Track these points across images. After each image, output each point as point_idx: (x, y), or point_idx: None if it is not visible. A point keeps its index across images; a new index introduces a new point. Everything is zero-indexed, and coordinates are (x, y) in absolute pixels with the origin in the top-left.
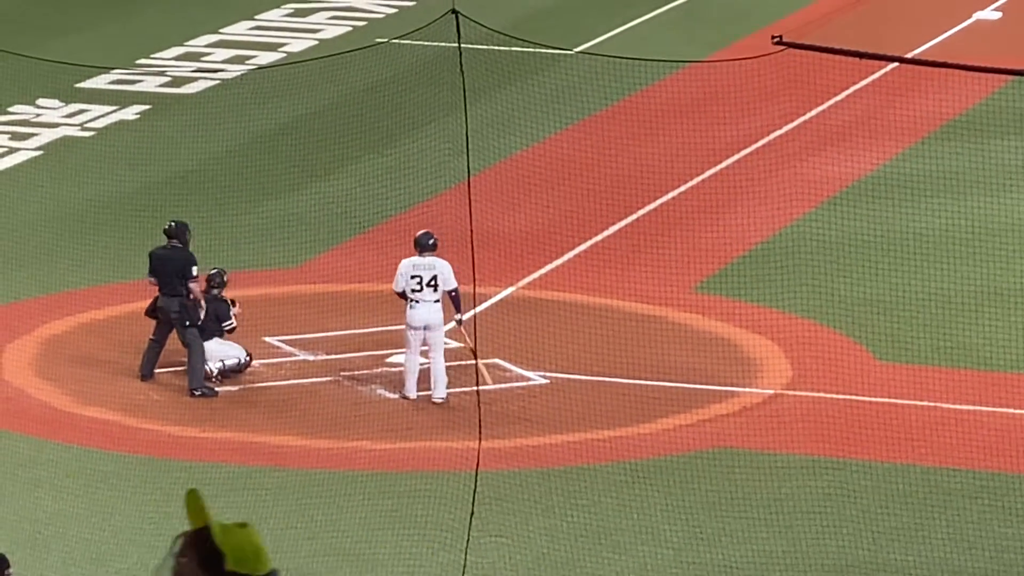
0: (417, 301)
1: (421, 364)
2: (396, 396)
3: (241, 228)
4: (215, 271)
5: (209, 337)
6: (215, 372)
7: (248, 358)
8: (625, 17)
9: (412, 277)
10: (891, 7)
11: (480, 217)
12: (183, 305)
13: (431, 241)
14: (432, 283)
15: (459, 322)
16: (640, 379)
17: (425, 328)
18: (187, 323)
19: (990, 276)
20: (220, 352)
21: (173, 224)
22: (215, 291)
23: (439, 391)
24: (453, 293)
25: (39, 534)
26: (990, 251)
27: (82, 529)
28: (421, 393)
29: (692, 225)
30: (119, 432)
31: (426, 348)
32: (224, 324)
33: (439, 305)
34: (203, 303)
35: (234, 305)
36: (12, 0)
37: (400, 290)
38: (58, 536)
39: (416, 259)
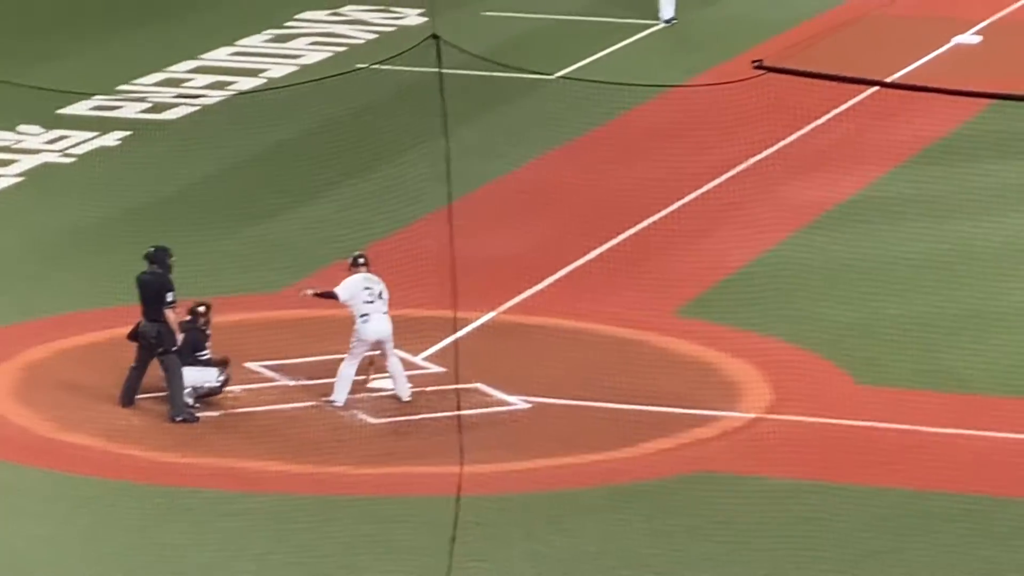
0: (369, 315)
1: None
2: (323, 404)
3: (222, 253)
4: (200, 306)
5: (184, 366)
6: (190, 402)
7: (222, 379)
8: (606, 42)
9: (364, 289)
10: (871, 31)
11: (461, 242)
12: (160, 331)
13: (366, 258)
14: (382, 296)
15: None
16: (621, 403)
17: (378, 341)
18: (160, 349)
19: (970, 300)
20: (190, 379)
21: (152, 250)
22: (200, 320)
23: (404, 391)
24: None
25: (20, 561)
26: (970, 275)
27: (63, 555)
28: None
29: (673, 249)
30: (100, 458)
31: (376, 353)
32: (198, 354)
33: (388, 317)
34: (178, 330)
35: (227, 366)
36: None
37: (346, 298)
38: (40, 563)
39: (365, 274)
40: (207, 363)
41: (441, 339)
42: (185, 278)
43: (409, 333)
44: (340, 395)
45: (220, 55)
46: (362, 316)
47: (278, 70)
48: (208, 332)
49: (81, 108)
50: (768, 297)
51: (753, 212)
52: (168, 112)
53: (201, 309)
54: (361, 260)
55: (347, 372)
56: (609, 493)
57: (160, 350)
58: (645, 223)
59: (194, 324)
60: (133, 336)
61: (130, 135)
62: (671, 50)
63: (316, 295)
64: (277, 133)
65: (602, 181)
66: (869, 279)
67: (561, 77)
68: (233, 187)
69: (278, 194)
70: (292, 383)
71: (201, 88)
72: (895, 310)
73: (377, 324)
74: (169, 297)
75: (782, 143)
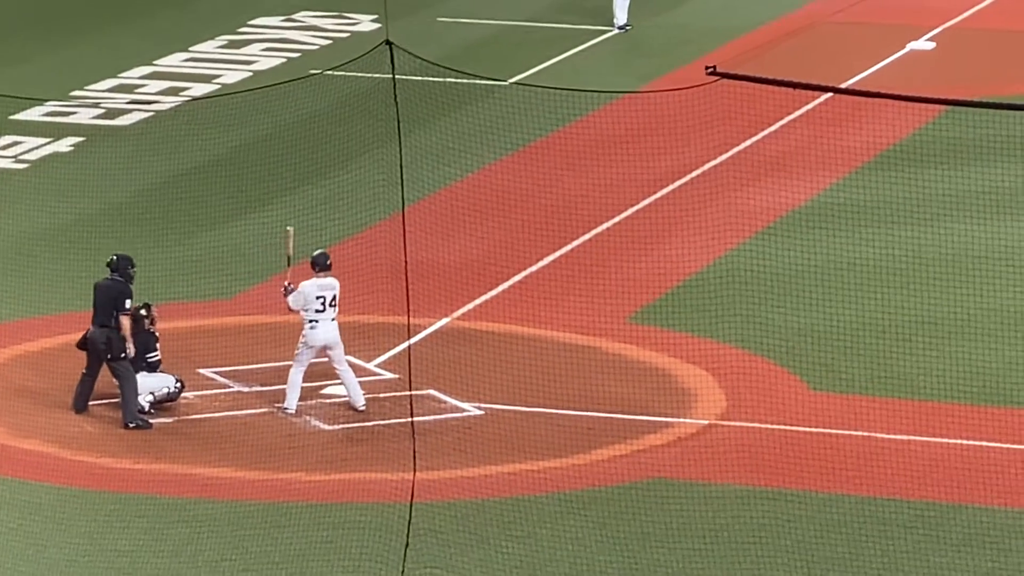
0: (318, 321)
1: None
2: (275, 412)
3: (175, 260)
4: (140, 305)
5: (136, 371)
6: (146, 407)
7: (179, 385)
8: (559, 48)
9: (317, 298)
10: (825, 38)
11: (415, 248)
12: (109, 338)
13: (329, 261)
14: (333, 303)
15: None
16: (575, 410)
17: (324, 347)
18: (109, 356)
19: (924, 305)
20: (148, 385)
21: (115, 257)
22: (145, 323)
23: (359, 400)
24: None
25: None
26: (924, 280)
27: (16, 562)
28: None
29: (627, 255)
30: (53, 464)
31: (324, 360)
32: (149, 357)
33: (336, 323)
34: (131, 338)
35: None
36: None
37: (298, 308)
38: None
39: (319, 280)
40: (158, 365)
41: (394, 345)
42: (139, 284)
43: (362, 339)
44: (292, 402)
45: (174, 61)
46: (310, 322)
47: (232, 76)
48: (156, 333)
49: (34, 114)
50: (722, 303)
51: (707, 218)
52: (121, 118)
53: (143, 312)
54: (317, 266)
55: (296, 379)
56: (562, 500)
57: (109, 356)
58: (599, 229)
59: (141, 328)
60: (82, 344)
61: (83, 141)
62: (625, 56)
63: (285, 290)
64: (230, 139)
65: (556, 187)
66: (823, 285)
67: (515, 83)
68: (186, 193)
69: (232, 200)
70: (245, 389)
71: (155, 94)
72: (849, 316)
73: (325, 330)
74: (127, 304)
75: (736, 149)
